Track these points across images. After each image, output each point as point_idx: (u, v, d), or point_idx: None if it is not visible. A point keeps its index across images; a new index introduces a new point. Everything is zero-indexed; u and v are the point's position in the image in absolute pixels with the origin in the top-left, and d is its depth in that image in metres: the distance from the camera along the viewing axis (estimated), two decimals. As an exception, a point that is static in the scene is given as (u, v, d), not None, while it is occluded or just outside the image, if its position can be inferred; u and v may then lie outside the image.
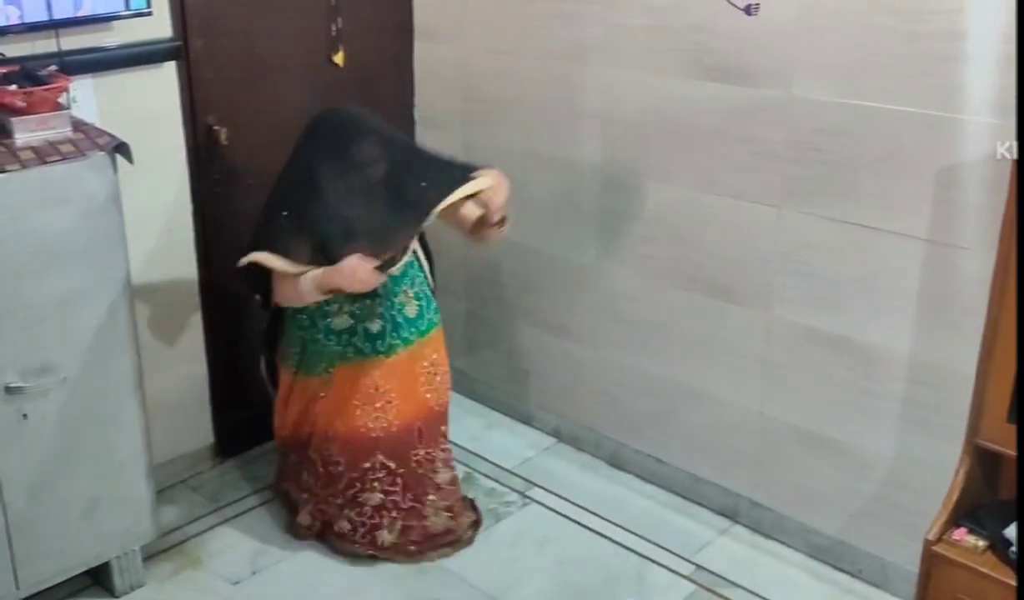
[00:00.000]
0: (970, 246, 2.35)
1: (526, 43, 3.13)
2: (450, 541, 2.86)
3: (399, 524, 2.82)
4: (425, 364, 2.81)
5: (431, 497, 2.85)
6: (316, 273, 2.52)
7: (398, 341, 2.74)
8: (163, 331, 3.00)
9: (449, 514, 2.88)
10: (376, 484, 2.78)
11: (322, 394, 2.77)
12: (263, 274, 2.60)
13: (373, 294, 2.65)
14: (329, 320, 2.71)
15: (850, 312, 2.61)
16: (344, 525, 2.82)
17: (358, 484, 2.79)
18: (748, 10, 2.55)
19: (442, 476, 2.88)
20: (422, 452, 2.83)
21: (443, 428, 2.90)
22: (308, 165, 2.58)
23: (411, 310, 2.76)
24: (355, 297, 2.64)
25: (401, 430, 2.77)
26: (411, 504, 2.82)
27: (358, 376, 2.73)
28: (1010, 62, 2.18)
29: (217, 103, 2.97)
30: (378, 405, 2.74)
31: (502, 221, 2.64)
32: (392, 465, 2.78)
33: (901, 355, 2.54)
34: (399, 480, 2.80)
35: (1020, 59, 1.97)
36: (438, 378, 2.85)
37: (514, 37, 3.16)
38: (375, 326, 2.71)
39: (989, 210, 2.22)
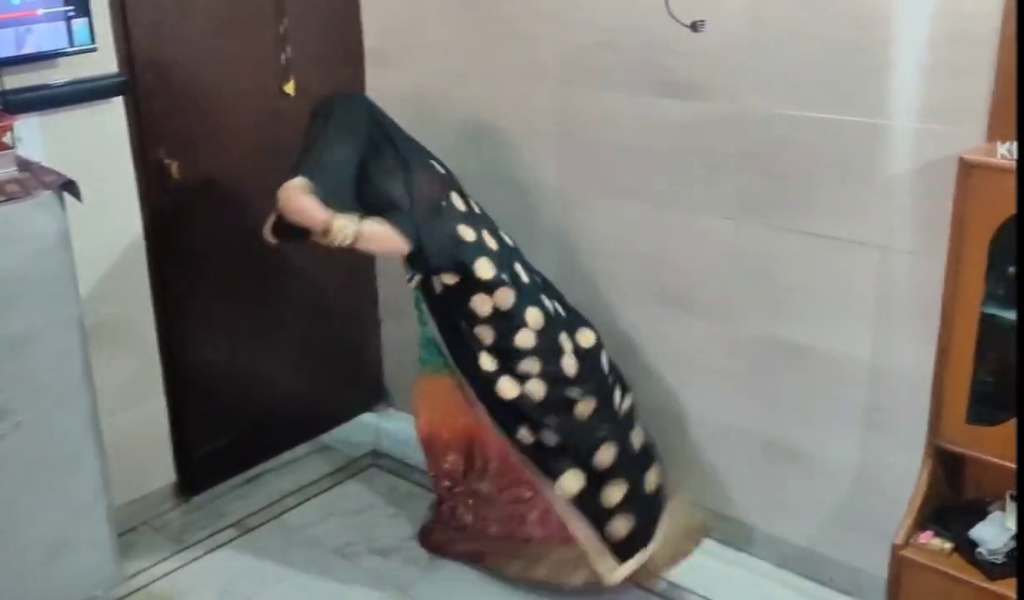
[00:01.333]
0: (920, 250, 2.37)
1: (478, 66, 3.14)
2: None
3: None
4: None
5: None
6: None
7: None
8: (120, 370, 2.95)
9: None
10: None
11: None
12: None
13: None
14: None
15: (810, 321, 2.63)
16: None
17: None
18: (694, 27, 2.57)
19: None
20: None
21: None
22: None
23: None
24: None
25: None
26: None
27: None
28: (946, 69, 2.24)
29: (167, 137, 2.94)
30: None
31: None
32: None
33: (861, 361, 2.56)
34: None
35: (1020, 59, 2.00)
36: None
37: (466, 60, 3.17)
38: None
39: (937, 214, 2.24)
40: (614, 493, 2.65)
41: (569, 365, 2.65)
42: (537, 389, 2.62)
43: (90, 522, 2.52)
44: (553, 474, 2.64)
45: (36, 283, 2.31)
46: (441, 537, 2.98)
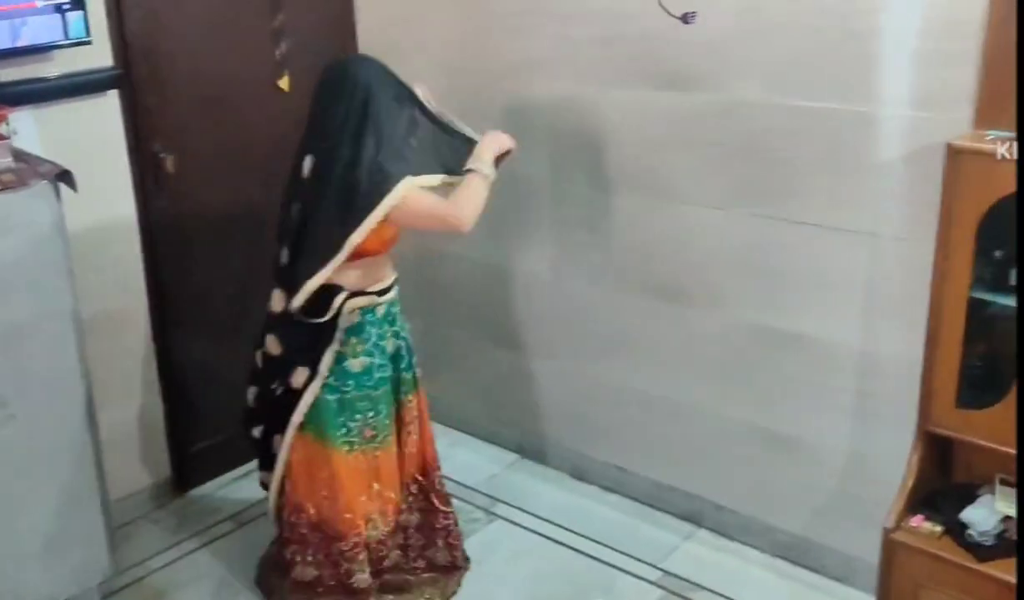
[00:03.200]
0: (909, 237, 2.39)
1: (473, 60, 3.16)
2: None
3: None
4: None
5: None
6: (484, 156, 2.51)
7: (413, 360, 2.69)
8: (115, 363, 2.96)
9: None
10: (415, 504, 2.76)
11: (381, 449, 2.60)
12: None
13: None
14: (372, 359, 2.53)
15: (800, 309, 2.65)
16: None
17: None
18: (685, 18, 2.59)
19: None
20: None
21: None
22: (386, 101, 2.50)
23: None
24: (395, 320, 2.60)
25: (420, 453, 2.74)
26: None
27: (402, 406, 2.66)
28: (934, 57, 2.27)
29: (162, 130, 2.96)
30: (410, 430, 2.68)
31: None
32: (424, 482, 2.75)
33: (852, 348, 2.58)
34: (433, 498, 2.76)
35: (1020, 58, 2.02)
36: None
37: (461, 54, 3.19)
38: (391, 347, 2.61)
39: (925, 201, 2.26)
40: None
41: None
42: None
43: (86, 515, 2.53)
44: None
45: (30, 274, 2.32)
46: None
